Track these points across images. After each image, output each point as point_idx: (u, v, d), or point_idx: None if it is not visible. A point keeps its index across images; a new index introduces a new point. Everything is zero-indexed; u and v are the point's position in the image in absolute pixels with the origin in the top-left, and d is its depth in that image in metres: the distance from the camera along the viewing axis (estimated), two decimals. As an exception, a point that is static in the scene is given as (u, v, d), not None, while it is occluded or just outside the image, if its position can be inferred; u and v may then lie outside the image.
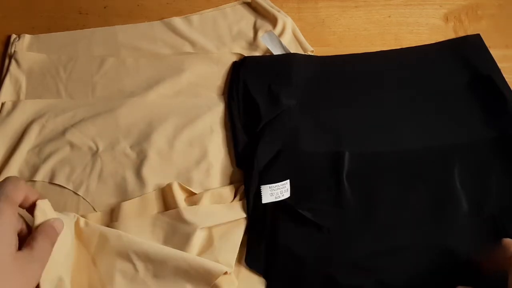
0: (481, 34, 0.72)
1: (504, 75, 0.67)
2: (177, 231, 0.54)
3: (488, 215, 0.57)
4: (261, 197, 0.56)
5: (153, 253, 0.51)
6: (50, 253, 0.46)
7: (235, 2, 0.76)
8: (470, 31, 0.74)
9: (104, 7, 0.76)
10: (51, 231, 0.47)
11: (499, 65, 0.68)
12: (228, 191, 0.59)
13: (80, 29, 0.73)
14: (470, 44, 0.71)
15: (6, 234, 0.41)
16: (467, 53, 0.70)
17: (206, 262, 0.51)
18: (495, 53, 0.69)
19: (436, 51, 0.71)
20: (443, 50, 0.71)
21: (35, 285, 0.43)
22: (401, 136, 0.63)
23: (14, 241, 0.42)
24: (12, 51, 0.69)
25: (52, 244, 0.46)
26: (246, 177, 0.59)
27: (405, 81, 0.68)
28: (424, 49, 0.72)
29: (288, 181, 0.58)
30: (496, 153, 0.61)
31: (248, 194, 0.57)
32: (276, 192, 0.57)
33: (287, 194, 0.57)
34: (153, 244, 0.53)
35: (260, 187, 0.57)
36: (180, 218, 0.55)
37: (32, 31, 0.72)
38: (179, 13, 0.75)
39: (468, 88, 0.67)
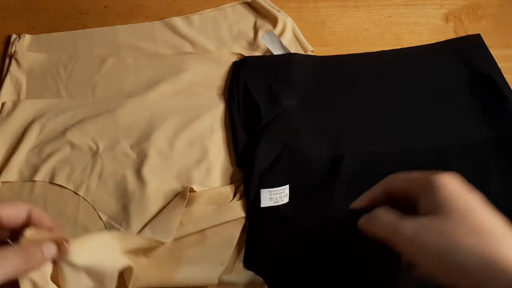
0: (481, 34, 0.72)
1: (504, 75, 0.67)
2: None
3: None
4: (260, 200, 0.56)
5: None
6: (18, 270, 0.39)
7: (236, 2, 0.76)
8: (470, 31, 0.74)
9: (104, 7, 0.76)
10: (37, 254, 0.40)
11: (499, 65, 0.68)
12: (228, 190, 0.58)
13: (81, 29, 0.73)
14: (471, 44, 0.71)
15: None
16: (467, 53, 0.70)
17: None
18: (495, 53, 0.69)
19: (436, 51, 0.71)
20: (444, 50, 0.71)
21: None
22: (401, 136, 0.63)
23: None
24: (13, 51, 0.69)
25: (29, 267, 0.39)
26: (245, 177, 0.59)
27: (405, 81, 0.68)
28: (424, 49, 0.72)
29: (287, 186, 0.58)
30: (496, 153, 0.61)
31: (247, 194, 0.57)
32: (275, 196, 0.57)
33: (286, 199, 0.57)
34: None
35: (260, 190, 0.57)
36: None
37: (32, 31, 0.72)
38: (179, 13, 0.75)
39: (468, 88, 0.67)
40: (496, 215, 0.38)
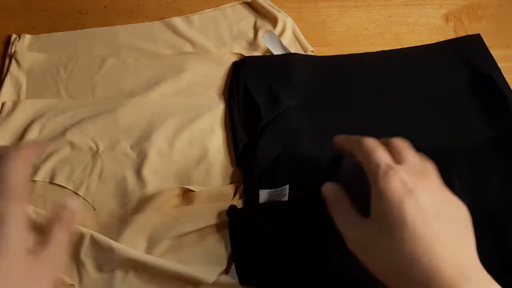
0: (481, 34, 0.72)
1: (504, 75, 0.67)
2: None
3: (489, 215, 0.56)
4: (259, 200, 0.56)
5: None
6: (68, 243, 0.42)
7: (235, 2, 0.76)
8: (471, 31, 0.74)
9: (104, 7, 0.76)
10: (67, 216, 0.43)
11: (499, 65, 0.68)
12: (229, 190, 0.59)
13: (81, 29, 0.73)
14: (471, 44, 0.71)
15: (14, 241, 0.37)
16: (467, 53, 0.70)
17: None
18: (495, 53, 0.69)
19: (436, 51, 0.71)
20: (444, 50, 0.71)
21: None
22: (401, 136, 0.62)
23: (23, 245, 0.38)
24: (12, 51, 0.69)
25: (70, 232, 0.43)
26: (245, 177, 0.59)
27: (405, 81, 0.68)
28: (424, 49, 0.72)
29: (287, 186, 0.57)
30: (496, 153, 0.61)
31: (247, 194, 0.57)
32: (274, 197, 0.57)
33: (285, 199, 0.57)
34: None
35: (259, 191, 0.57)
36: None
37: (33, 31, 0.72)
38: (179, 13, 0.75)
39: (468, 88, 0.67)
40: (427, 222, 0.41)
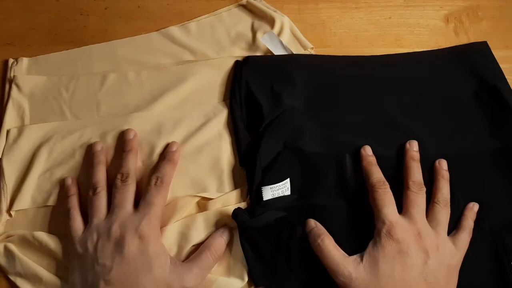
0: (481, 35, 0.72)
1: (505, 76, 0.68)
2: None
3: (489, 227, 0.58)
4: (262, 197, 0.58)
5: None
6: (211, 267, 0.54)
7: (231, 6, 0.75)
8: (471, 32, 0.73)
9: (105, 8, 0.75)
10: (217, 244, 0.55)
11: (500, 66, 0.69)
12: (244, 193, 0.61)
13: (81, 30, 0.73)
14: (477, 52, 0.71)
15: (161, 253, 0.52)
16: (473, 61, 0.69)
17: None
18: (495, 54, 0.70)
19: (441, 58, 0.71)
20: (449, 56, 0.71)
21: None
22: (403, 141, 0.63)
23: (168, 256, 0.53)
24: (12, 75, 0.68)
25: (215, 259, 0.54)
26: (248, 176, 0.60)
27: (408, 86, 0.68)
28: (430, 54, 0.71)
29: (288, 179, 0.59)
30: (499, 164, 0.62)
31: (251, 193, 0.59)
32: (277, 192, 0.58)
33: (287, 193, 0.59)
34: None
35: (261, 188, 0.58)
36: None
37: (33, 32, 0.73)
38: (179, 14, 0.75)
39: (473, 97, 0.67)
40: None
